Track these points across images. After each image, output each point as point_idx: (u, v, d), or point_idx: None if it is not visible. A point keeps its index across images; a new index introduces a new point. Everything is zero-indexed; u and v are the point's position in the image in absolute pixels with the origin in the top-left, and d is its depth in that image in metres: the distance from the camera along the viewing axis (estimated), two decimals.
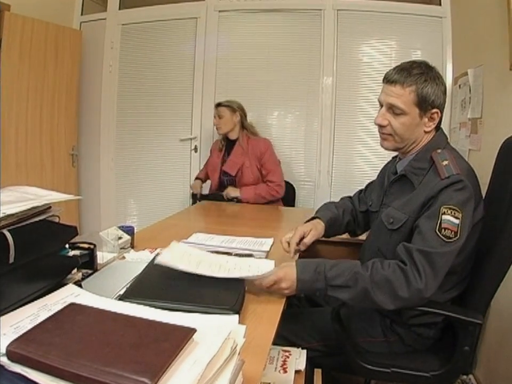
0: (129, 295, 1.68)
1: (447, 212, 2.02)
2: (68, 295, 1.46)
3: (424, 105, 2.20)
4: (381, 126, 2.32)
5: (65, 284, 1.55)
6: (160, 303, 1.58)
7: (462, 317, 2.14)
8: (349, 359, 2.28)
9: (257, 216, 3.06)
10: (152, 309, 1.43)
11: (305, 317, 2.56)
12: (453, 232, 2.01)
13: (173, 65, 5.87)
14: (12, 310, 1.28)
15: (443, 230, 2.01)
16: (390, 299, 2.00)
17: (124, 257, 2.35)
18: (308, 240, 2.46)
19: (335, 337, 2.29)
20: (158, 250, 2.45)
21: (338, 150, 5.47)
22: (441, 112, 2.27)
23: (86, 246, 1.97)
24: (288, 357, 2.08)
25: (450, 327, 2.36)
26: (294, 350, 2.14)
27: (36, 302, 1.37)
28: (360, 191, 2.96)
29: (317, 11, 5.46)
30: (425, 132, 2.28)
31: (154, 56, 5.77)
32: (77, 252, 1.88)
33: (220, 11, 5.77)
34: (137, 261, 2.30)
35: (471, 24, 4.42)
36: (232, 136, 4.90)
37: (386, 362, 2.28)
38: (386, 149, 2.41)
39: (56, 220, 1.55)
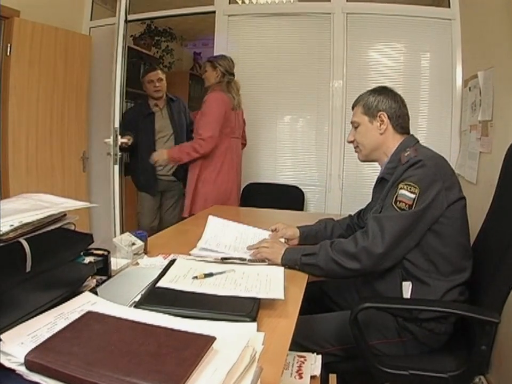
0: (145, 302, 1.68)
1: (403, 187, 2.33)
2: (84, 303, 1.46)
3: (370, 111, 2.66)
4: (350, 142, 2.82)
5: (81, 292, 1.55)
6: (176, 310, 1.58)
7: (478, 316, 2.13)
8: (367, 363, 2.29)
9: (269, 221, 3.06)
10: (169, 316, 1.43)
11: (319, 322, 2.58)
12: (407, 205, 2.30)
13: None
14: (29, 319, 1.28)
15: (398, 203, 2.32)
16: (344, 256, 2.34)
17: (137, 263, 2.35)
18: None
19: (352, 341, 2.30)
20: (171, 256, 2.46)
21: (349, 153, 5.40)
22: (393, 116, 2.64)
23: (100, 252, 1.96)
24: (303, 363, 2.08)
25: (464, 323, 2.37)
26: (309, 356, 2.14)
27: (52, 310, 1.37)
28: (361, 210, 3.13)
29: (326, 15, 5.45)
30: (381, 134, 2.66)
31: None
32: (91, 258, 1.87)
33: (229, 15, 5.78)
34: (151, 267, 2.30)
35: (480, 26, 4.40)
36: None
37: (404, 365, 2.28)
38: (361, 161, 2.86)
39: (72, 227, 1.55)
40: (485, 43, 4.24)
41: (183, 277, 1.97)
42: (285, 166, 5.79)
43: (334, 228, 3.08)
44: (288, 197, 5.46)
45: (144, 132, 5.39)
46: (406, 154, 2.48)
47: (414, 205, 2.28)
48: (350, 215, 3.21)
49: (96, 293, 1.63)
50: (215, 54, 5.54)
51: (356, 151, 2.83)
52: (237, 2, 5.95)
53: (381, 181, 2.74)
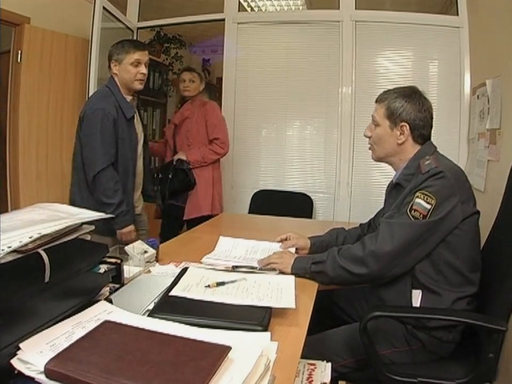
0: (158, 310, 1.70)
1: (420, 196, 2.30)
2: (100, 312, 1.48)
3: (393, 117, 2.57)
4: (367, 137, 2.77)
5: (97, 300, 1.58)
6: (190, 319, 1.60)
7: (485, 324, 2.14)
8: (376, 371, 2.30)
9: (278, 229, 3.09)
10: (185, 326, 1.46)
11: (330, 338, 2.57)
12: (421, 215, 2.27)
13: None
14: (47, 328, 1.30)
15: (413, 211, 2.30)
16: (351, 262, 2.36)
17: (149, 271, 2.38)
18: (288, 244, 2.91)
19: (364, 351, 2.31)
20: (183, 264, 2.49)
21: (357, 160, 5.45)
22: (415, 128, 2.57)
23: (113, 260, 1.98)
24: (313, 370, 2.09)
25: (471, 332, 2.38)
26: (319, 363, 2.15)
27: (69, 319, 1.39)
28: (371, 219, 3.15)
29: (335, 23, 5.45)
30: (398, 144, 2.60)
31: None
32: (104, 267, 1.89)
33: (238, 23, 5.79)
34: (163, 274, 2.32)
35: (489, 34, 4.40)
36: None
37: (412, 373, 2.28)
38: (373, 159, 2.81)
39: (88, 237, 1.57)
40: (493, 51, 4.24)
41: (195, 285, 1.99)
42: (293, 173, 5.76)
43: (346, 239, 3.04)
44: (297, 204, 5.45)
45: (127, 142, 3.67)
46: (426, 163, 2.43)
47: (428, 216, 2.26)
48: (360, 225, 3.20)
49: (111, 301, 1.65)
50: (224, 62, 5.72)
51: (369, 149, 2.81)
52: (246, 10, 5.98)
53: (396, 186, 2.69)
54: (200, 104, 5.08)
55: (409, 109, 2.54)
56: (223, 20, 5.87)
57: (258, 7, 6.14)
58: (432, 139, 2.55)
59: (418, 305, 2.39)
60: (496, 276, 2.36)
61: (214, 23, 6.13)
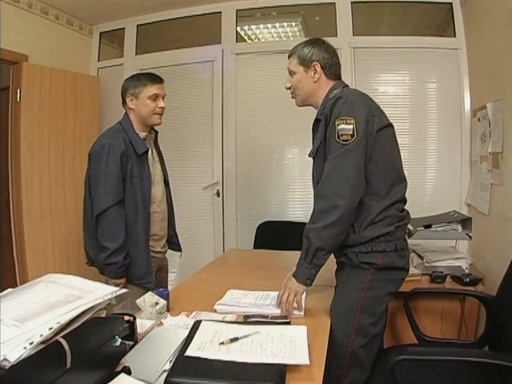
0: (175, 374, 1.70)
1: (340, 122, 2.52)
2: None
3: (305, 62, 2.85)
4: (287, 89, 2.99)
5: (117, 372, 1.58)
6: (206, 381, 1.66)
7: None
8: None
9: (287, 264, 3.07)
10: None
11: None
12: (349, 135, 2.49)
13: (191, 110, 5.90)
14: None
15: (340, 137, 2.51)
16: (323, 217, 2.50)
17: (161, 323, 2.38)
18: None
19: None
20: (194, 313, 2.51)
21: None
22: (325, 66, 2.85)
23: (126, 318, 1.97)
24: None
25: (498, 373, 2.38)
26: None
27: None
28: None
29: None
30: (314, 82, 2.87)
31: (172, 101, 5.76)
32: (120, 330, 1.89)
33: (236, 54, 5.83)
34: (175, 326, 2.34)
35: (487, 55, 4.42)
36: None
37: None
38: (298, 106, 3.07)
39: (103, 313, 1.58)
40: (492, 74, 4.26)
41: (209, 342, 1.99)
42: (295, 203, 5.80)
43: None
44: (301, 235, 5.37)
45: (137, 181, 3.36)
46: (333, 92, 2.76)
47: (355, 133, 2.48)
48: None
49: (129, 370, 1.65)
50: (224, 92, 5.73)
51: (292, 97, 3.04)
52: (244, 39, 6.00)
53: (316, 122, 2.89)
54: None
55: (316, 51, 2.85)
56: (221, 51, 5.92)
57: (255, 34, 6.14)
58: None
59: None
60: None
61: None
